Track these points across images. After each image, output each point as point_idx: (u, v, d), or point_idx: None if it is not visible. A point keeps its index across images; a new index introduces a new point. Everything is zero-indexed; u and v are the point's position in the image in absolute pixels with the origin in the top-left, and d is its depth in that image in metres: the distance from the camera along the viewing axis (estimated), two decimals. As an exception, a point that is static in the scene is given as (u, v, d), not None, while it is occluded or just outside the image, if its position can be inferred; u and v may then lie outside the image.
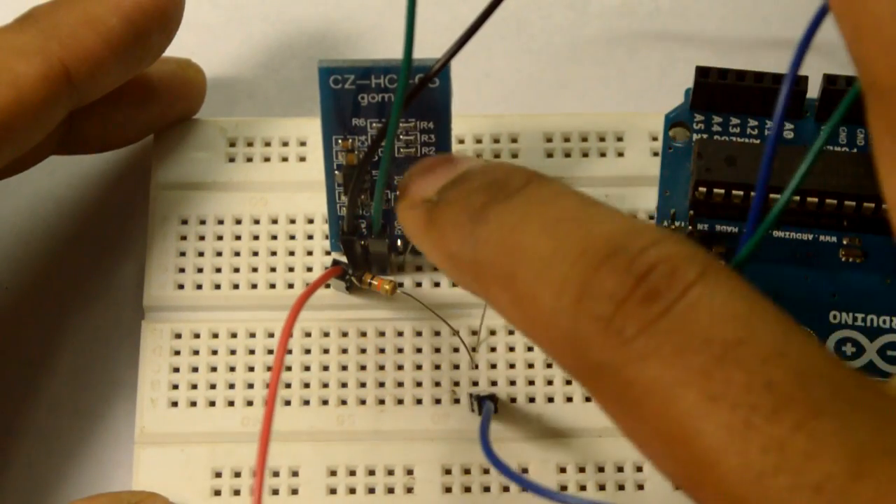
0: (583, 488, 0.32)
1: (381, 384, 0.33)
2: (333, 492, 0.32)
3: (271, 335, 0.33)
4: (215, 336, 0.33)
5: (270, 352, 0.33)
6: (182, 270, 0.34)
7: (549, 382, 0.33)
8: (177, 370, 0.33)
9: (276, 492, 0.32)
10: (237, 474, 0.32)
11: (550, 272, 0.22)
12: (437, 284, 0.34)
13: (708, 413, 0.20)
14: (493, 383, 0.33)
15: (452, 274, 0.26)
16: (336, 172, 0.32)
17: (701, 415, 0.20)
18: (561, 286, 0.22)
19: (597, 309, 0.21)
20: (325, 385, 0.33)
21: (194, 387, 0.33)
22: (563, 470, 0.32)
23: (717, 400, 0.20)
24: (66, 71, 0.30)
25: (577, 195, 0.24)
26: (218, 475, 0.32)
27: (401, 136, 0.31)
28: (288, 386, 0.33)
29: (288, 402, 0.32)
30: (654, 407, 0.20)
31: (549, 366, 0.33)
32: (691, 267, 0.21)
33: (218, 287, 0.34)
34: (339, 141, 0.31)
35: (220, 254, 0.34)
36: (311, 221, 0.34)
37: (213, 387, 0.33)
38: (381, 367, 0.33)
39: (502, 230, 0.23)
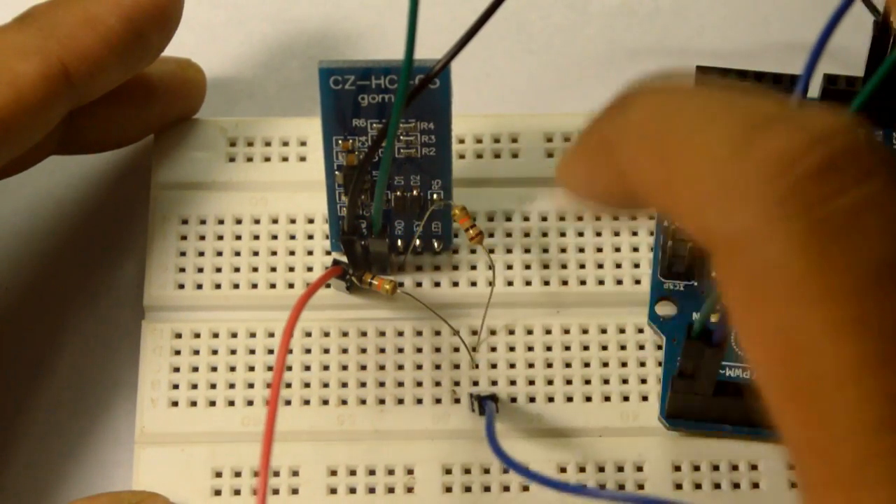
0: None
1: (382, 384, 0.33)
2: (334, 491, 0.32)
3: (271, 335, 0.33)
4: (216, 336, 0.33)
5: (271, 352, 0.33)
6: (182, 270, 0.34)
7: (550, 382, 0.33)
8: (177, 370, 0.33)
9: (276, 491, 0.32)
10: (237, 474, 0.32)
11: (710, 125, 0.19)
12: (437, 284, 0.34)
13: (847, 336, 0.17)
14: (494, 383, 0.33)
15: (588, 181, 0.23)
16: (336, 173, 0.32)
17: (839, 334, 0.18)
18: (719, 138, 0.19)
19: (760, 165, 0.18)
20: (326, 385, 0.33)
21: (194, 387, 0.33)
22: (563, 469, 0.32)
23: (857, 325, 0.17)
24: (65, 70, 0.30)
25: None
26: (218, 475, 0.32)
27: (401, 137, 0.31)
28: (288, 386, 0.33)
29: (288, 402, 0.32)
30: (788, 305, 0.18)
31: (550, 365, 0.33)
32: (873, 154, 0.18)
33: (218, 287, 0.34)
34: (340, 141, 0.31)
35: (220, 253, 0.34)
36: (311, 221, 0.34)
37: (213, 387, 0.33)
38: (382, 367, 0.33)
39: (654, 101, 0.21)
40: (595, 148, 0.22)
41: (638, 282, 0.34)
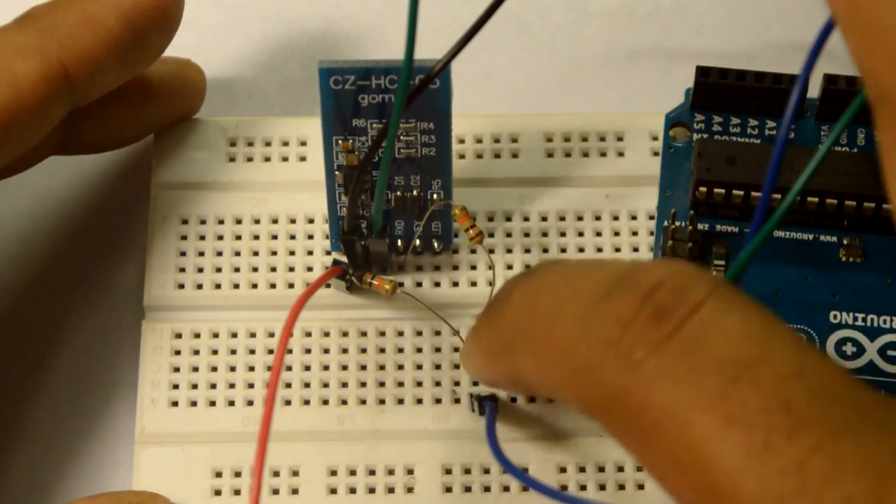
0: (583, 488, 0.32)
1: (382, 384, 0.33)
2: (334, 491, 0.32)
3: (272, 335, 0.33)
4: (216, 336, 0.33)
5: (271, 351, 0.33)
6: (182, 270, 0.34)
7: (550, 382, 0.33)
8: (177, 370, 0.33)
9: (276, 491, 0.32)
10: (237, 474, 0.32)
11: (561, 314, 0.22)
12: (437, 284, 0.34)
13: (724, 436, 0.19)
14: (494, 383, 0.33)
15: (491, 372, 0.27)
16: (336, 173, 0.32)
17: (717, 438, 0.19)
18: (571, 321, 0.21)
19: (604, 333, 0.21)
20: (326, 385, 0.33)
21: (195, 386, 0.33)
22: (563, 470, 0.32)
23: (734, 422, 0.19)
24: (64, 71, 0.30)
25: (588, 260, 0.25)
26: (218, 475, 0.32)
27: (401, 137, 0.31)
28: (288, 385, 0.33)
29: (288, 402, 0.32)
30: (668, 432, 0.20)
31: (550, 366, 0.33)
32: (700, 284, 0.21)
33: (218, 287, 0.34)
34: (340, 141, 0.31)
35: (220, 253, 0.34)
36: (311, 221, 0.34)
37: (213, 386, 0.33)
38: (382, 367, 0.33)
39: (520, 301, 0.24)
40: (485, 353, 0.26)
41: (638, 282, 0.34)
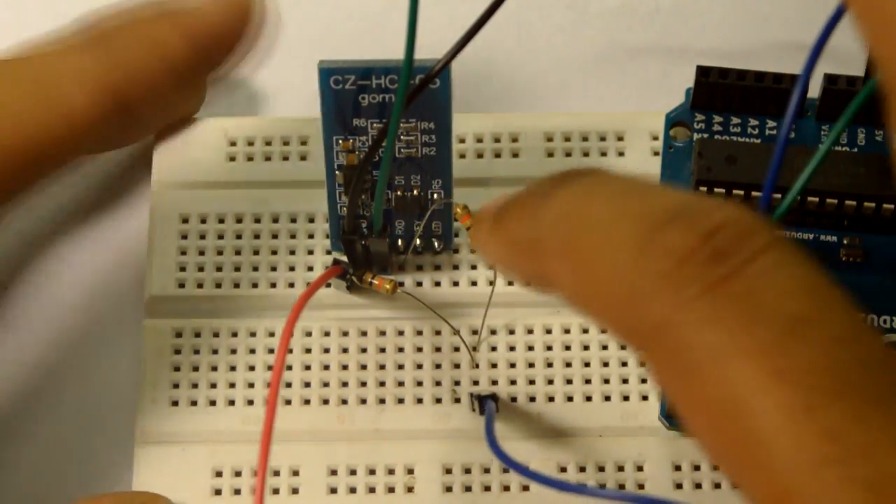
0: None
1: (382, 383, 0.33)
2: (334, 491, 0.32)
3: (272, 334, 0.33)
4: (216, 335, 0.33)
5: (271, 351, 0.33)
6: (183, 269, 0.34)
7: (550, 382, 0.33)
8: (177, 369, 0.33)
9: (276, 491, 0.32)
10: (238, 474, 0.32)
11: (611, 234, 0.21)
12: (437, 284, 0.34)
13: (768, 389, 0.19)
14: (494, 382, 0.33)
15: (515, 263, 0.25)
16: (337, 173, 0.32)
17: (760, 390, 0.19)
18: (621, 244, 0.21)
19: (658, 264, 0.20)
20: (326, 384, 0.33)
21: (195, 386, 0.33)
22: (563, 469, 0.32)
23: (779, 376, 0.19)
24: (124, 100, 0.29)
25: (646, 180, 0.23)
26: (219, 475, 0.32)
27: (401, 137, 0.31)
28: (288, 385, 0.33)
29: (288, 402, 0.32)
30: (709, 374, 0.19)
31: (550, 365, 0.33)
32: (761, 233, 0.20)
33: (219, 286, 0.34)
34: (340, 141, 0.31)
35: (220, 253, 0.34)
36: (311, 220, 0.34)
37: (213, 386, 0.33)
38: (382, 367, 0.33)
39: (564, 205, 0.23)
40: (509, 244, 0.24)
41: (638, 281, 0.34)
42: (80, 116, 0.28)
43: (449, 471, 0.32)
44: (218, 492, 0.32)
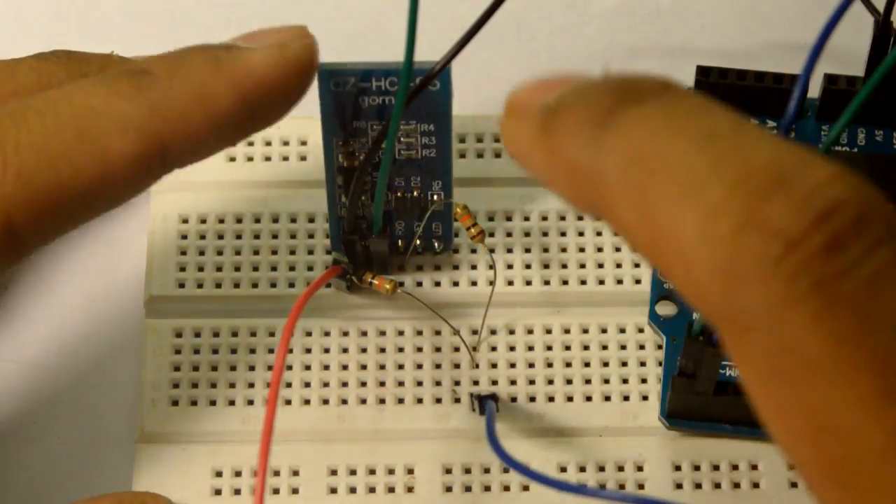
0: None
1: (382, 383, 0.33)
2: (334, 491, 0.32)
3: (272, 334, 0.33)
4: (216, 335, 0.33)
5: (271, 351, 0.33)
6: (183, 269, 0.34)
7: (550, 382, 0.33)
8: (177, 369, 0.33)
9: (276, 491, 0.32)
10: (238, 474, 0.32)
11: (703, 192, 0.18)
12: (437, 284, 0.34)
13: (877, 411, 0.17)
14: (494, 382, 0.33)
15: (566, 189, 0.21)
16: (337, 174, 0.32)
17: (868, 410, 0.17)
18: (716, 210, 0.18)
19: (763, 244, 0.18)
20: (326, 384, 0.33)
21: (195, 386, 0.33)
22: (563, 469, 0.32)
23: (890, 399, 0.17)
24: (164, 150, 0.27)
25: (726, 109, 0.20)
26: (218, 474, 0.32)
27: (401, 139, 0.31)
28: (289, 385, 0.33)
29: (289, 402, 0.32)
30: (810, 385, 0.17)
31: (550, 365, 0.33)
32: (880, 218, 0.18)
33: (219, 286, 0.34)
34: (340, 143, 0.31)
35: (221, 253, 0.34)
36: (311, 220, 0.34)
37: (213, 386, 0.33)
38: (382, 367, 0.33)
39: (636, 136, 0.20)
40: (568, 166, 0.21)
41: (638, 281, 0.34)
42: (117, 164, 0.26)
43: (449, 471, 0.32)
44: (218, 492, 0.32)
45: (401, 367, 0.33)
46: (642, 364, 0.33)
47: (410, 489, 0.32)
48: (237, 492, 0.32)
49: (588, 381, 0.33)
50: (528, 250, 0.34)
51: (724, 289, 0.18)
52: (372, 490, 0.32)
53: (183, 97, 0.27)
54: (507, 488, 0.32)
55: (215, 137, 0.27)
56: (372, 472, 0.32)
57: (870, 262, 0.17)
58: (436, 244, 0.33)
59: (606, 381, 0.33)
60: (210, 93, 0.27)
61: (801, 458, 0.18)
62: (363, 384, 0.33)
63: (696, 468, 0.32)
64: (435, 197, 0.32)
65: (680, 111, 0.20)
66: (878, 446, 0.17)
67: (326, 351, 0.33)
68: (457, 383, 0.33)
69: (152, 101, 0.27)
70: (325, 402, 0.32)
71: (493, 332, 0.33)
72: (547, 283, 0.34)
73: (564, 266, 0.34)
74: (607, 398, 0.33)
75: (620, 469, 0.32)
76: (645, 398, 0.32)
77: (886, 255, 0.17)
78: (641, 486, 0.32)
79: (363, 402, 0.32)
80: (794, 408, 0.18)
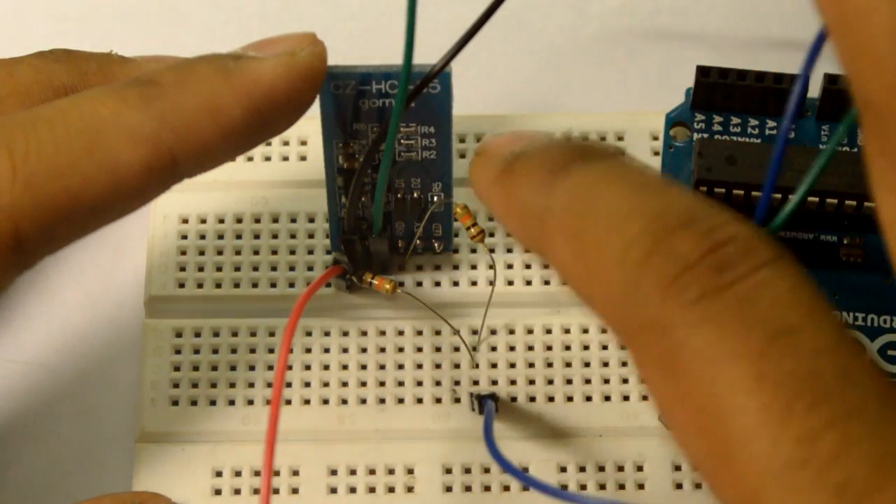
0: (583, 487, 0.32)
1: (382, 383, 0.33)
2: (334, 491, 0.32)
3: (272, 334, 0.33)
4: (216, 335, 0.33)
5: (271, 351, 0.33)
6: (183, 269, 0.34)
7: (550, 382, 0.33)
8: (177, 369, 0.33)
9: (276, 491, 0.32)
10: (238, 473, 0.32)
11: (623, 227, 0.22)
12: (437, 284, 0.34)
13: (751, 390, 0.20)
14: (494, 382, 0.33)
15: (515, 225, 0.25)
16: (336, 176, 0.32)
17: (744, 391, 0.20)
18: (632, 240, 0.21)
19: (664, 266, 0.21)
20: (326, 384, 0.33)
21: (195, 385, 0.33)
22: (563, 469, 0.32)
23: (763, 379, 0.19)
24: (174, 161, 0.27)
25: (663, 175, 0.23)
26: (219, 474, 0.32)
27: (401, 141, 0.31)
28: (289, 385, 0.33)
29: (289, 402, 0.32)
30: (697, 374, 0.20)
31: (550, 365, 0.33)
32: (766, 249, 0.21)
33: (219, 286, 0.34)
34: (340, 145, 0.31)
35: (220, 252, 0.34)
36: (311, 220, 0.34)
37: (213, 386, 0.33)
38: (382, 367, 0.33)
39: (580, 185, 0.23)
40: (511, 204, 0.24)
41: (638, 281, 0.34)
42: (126, 174, 0.26)
43: (449, 471, 0.32)
44: (218, 492, 0.32)
45: (401, 367, 0.33)
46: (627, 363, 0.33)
47: (410, 489, 0.32)
48: (237, 492, 0.32)
49: (588, 382, 0.33)
50: (527, 250, 0.34)
51: (630, 301, 0.21)
52: (372, 490, 0.32)
53: (192, 107, 0.27)
54: (507, 488, 0.32)
55: (225, 147, 0.27)
56: (372, 472, 0.32)
57: (754, 276, 0.21)
58: (436, 244, 0.33)
59: (606, 381, 0.33)
60: (219, 103, 0.27)
61: (692, 445, 0.21)
62: (363, 384, 0.33)
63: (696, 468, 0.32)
64: (435, 197, 0.32)
65: (621, 170, 0.23)
66: (753, 423, 0.19)
67: (326, 351, 0.33)
68: (457, 383, 0.33)
69: (162, 112, 0.27)
70: (325, 401, 0.32)
71: (493, 332, 0.33)
72: (547, 283, 0.34)
73: (564, 266, 0.34)
74: (607, 398, 0.33)
75: (620, 469, 0.32)
76: (645, 398, 0.32)
77: (766, 274, 0.21)
78: (641, 486, 0.32)
79: (363, 401, 0.32)
80: (685, 399, 0.20)
